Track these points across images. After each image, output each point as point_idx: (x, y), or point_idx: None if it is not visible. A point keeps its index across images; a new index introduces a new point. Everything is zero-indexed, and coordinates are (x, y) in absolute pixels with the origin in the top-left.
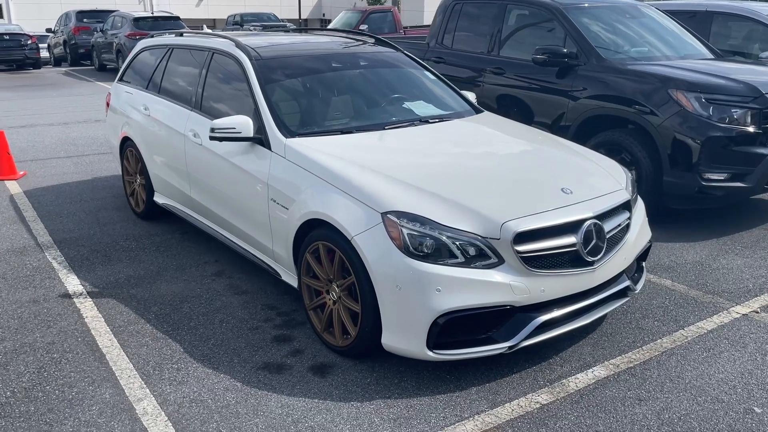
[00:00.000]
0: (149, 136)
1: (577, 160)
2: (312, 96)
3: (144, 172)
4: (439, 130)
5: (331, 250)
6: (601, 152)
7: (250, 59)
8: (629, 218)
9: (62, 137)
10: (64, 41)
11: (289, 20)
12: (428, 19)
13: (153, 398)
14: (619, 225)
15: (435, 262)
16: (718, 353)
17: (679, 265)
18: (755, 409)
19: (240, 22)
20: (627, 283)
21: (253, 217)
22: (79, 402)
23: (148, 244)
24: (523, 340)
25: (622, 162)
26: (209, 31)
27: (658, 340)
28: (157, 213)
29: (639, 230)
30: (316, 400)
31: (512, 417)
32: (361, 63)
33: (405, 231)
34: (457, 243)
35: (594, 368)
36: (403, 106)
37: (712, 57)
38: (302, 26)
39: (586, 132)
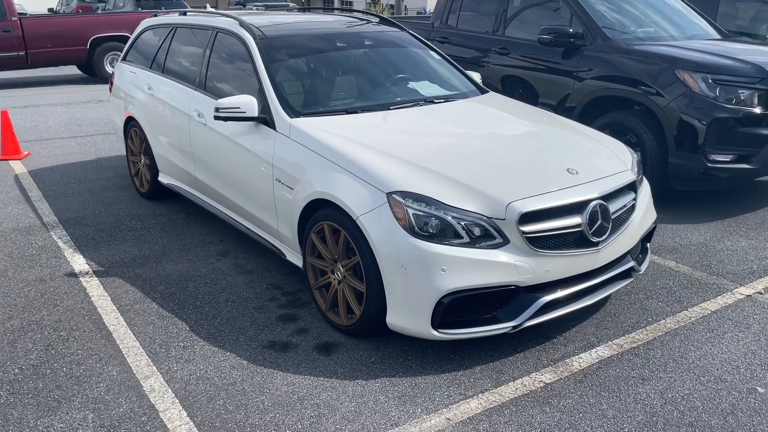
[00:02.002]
0: (153, 116)
1: (582, 141)
2: (317, 76)
3: (148, 152)
4: (444, 111)
5: (336, 230)
6: (606, 133)
7: (255, 38)
8: (634, 199)
9: (66, 117)
10: None
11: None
12: (432, 0)
13: (160, 376)
14: (624, 206)
15: (440, 242)
16: (721, 334)
17: (684, 246)
18: (758, 388)
19: (243, 1)
20: (631, 263)
21: (258, 197)
22: (87, 379)
23: (153, 224)
24: (528, 319)
25: (627, 143)
26: (213, 10)
27: (662, 321)
28: (161, 193)
29: (644, 211)
30: (322, 378)
31: (516, 395)
32: (366, 42)
33: (410, 211)
34: (462, 223)
35: (598, 348)
36: (408, 86)
37: (720, 37)
38: (305, 5)
39: (592, 113)
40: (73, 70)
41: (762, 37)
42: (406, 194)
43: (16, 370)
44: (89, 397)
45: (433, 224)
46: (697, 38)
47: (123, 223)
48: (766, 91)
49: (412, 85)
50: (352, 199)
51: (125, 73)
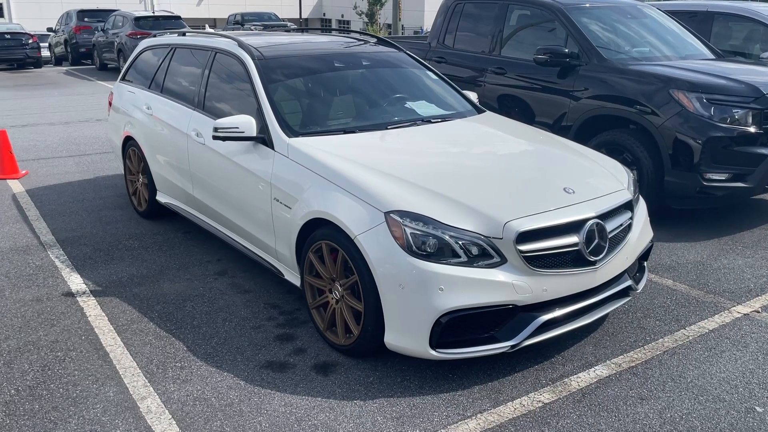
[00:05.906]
0: (152, 136)
1: (579, 160)
2: (314, 96)
3: (146, 171)
4: (442, 130)
5: (334, 250)
6: (602, 152)
7: (253, 59)
8: (631, 218)
9: (64, 136)
10: (65, 40)
11: (290, 19)
12: (429, 19)
13: (157, 396)
14: (621, 225)
15: (438, 261)
16: (719, 353)
17: (681, 264)
18: (756, 408)
19: (241, 21)
20: (629, 282)
21: (256, 216)
22: (83, 400)
23: (151, 243)
24: (526, 339)
25: (623, 162)
26: (211, 30)
27: (660, 340)
28: (159, 212)
29: (641, 230)
30: (319, 399)
31: (514, 416)
32: (364, 63)
33: (408, 230)
34: (460, 242)
35: (596, 367)
36: (405, 105)
37: (713, 57)
38: (303, 26)
39: (588, 132)
40: (73, 89)
41: (755, 57)
42: (403, 213)
43: (12, 392)
44: (85, 419)
45: (431, 243)
46: (691, 58)
47: (121, 242)
48: (760, 111)
49: (409, 104)
50: (350, 218)
51: (124, 93)
